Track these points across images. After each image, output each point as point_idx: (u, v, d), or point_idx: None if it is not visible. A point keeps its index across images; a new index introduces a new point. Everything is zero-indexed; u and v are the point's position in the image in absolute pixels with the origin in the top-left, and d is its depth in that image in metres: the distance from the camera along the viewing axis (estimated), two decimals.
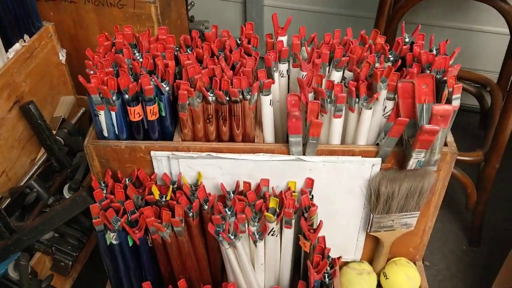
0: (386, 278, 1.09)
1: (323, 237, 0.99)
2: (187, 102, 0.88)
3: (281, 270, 1.01)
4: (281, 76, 0.99)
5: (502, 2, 1.23)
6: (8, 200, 1.20)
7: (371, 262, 1.13)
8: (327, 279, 0.97)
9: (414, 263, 1.12)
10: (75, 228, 1.16)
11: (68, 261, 1.14)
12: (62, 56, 1.44)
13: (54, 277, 1.17)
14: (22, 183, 1.27)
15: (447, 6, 1.89)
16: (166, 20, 1.48)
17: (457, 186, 1.78)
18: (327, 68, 0.96)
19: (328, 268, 0.98)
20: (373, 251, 1.11)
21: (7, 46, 1.26)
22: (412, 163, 0.89)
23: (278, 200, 0.91)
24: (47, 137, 1.29)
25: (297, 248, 1.00)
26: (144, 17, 1.43)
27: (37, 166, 1.34)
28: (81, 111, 1.48)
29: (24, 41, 1.30)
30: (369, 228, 1.01)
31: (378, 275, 1.12)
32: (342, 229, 1.05)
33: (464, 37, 1.96)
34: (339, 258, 0.98)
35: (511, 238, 1.59)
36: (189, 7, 1.78)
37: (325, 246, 0.97)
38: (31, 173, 1.32)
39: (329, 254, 0.96)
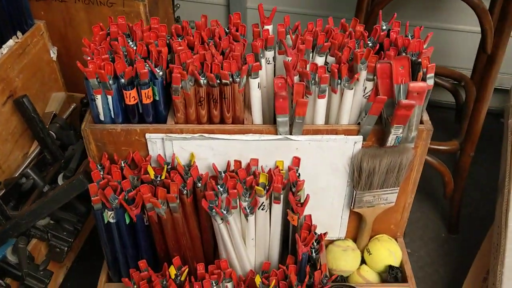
0: (370, 254, 1.15)
1: (310, 216, 1.05)
2: (180, 85, 0.93)
3: (271, 246, 1.06)
4: (268, 63, 1.05)
5: None
6: (3, 191, 1.23)
7: (355, 240, 1.19)
8: (314, 254, 1.03)
9: (396, 240, 1.18)
10: (70, 214, 1.19)
11: (64, 247, 1.18)
12: (53, 54, 1.49)
13: (50, 264, 1.21)
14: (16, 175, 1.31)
15: (422, 6, 1.99)
16: None
17: (435, 177, 1.86)
18: (311, 54, 1.02)
19: (315, 243, 1.04)
20: (357, 229, 1.17)
21: (1, 42, 1.31)
22: (391, 140, 0.96)
23: (267, 175, 0.96)
24: (40, 130, 1.33)
25: (285, 226, 1.06)
26: (133, 15, 1.48)
27: (30, 159, 1.38)
28: (72, 106, 1.53)
29: (17, 38, 1.35)
30: (352, 204, 1.08)
31: (362, 252, 1.18)
32: (327, 207, 1.11)
33: (439, 36, 2.05)
34: (325, 234, 1.04)
35: (487, 226, 1.66)
36: (175, 8, 1.85)
37: (311, 223, 1.03)
38: (24, 166, 1.36)
39: (315, 231, 1.02)
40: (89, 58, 0.94)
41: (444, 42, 2.07)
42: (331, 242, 1.18)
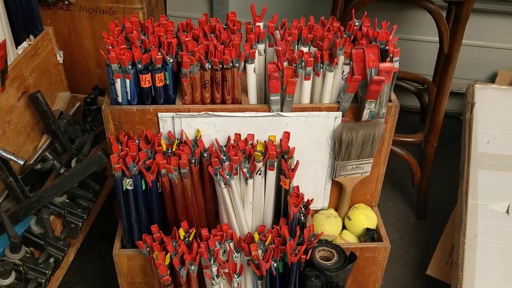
0: (349, 220, 1.32)
1: (297, 186, 1.23)
2: (189, 70, 1.10)
3: (266, 211, 1.23)
4: (260, 54, 1.23)
5: (428, 2, 1.53)
6: (20, 177, 1.37)
7: (336, 209, 1.36)
8: (302, 217, 1.21)
9: (372, 208, 1.36)
10: (86, 192, 1.34)
11: (78, 222, 1.32)
12: (60, 57, 1.64)
13: None
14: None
15: (389, 17, 2.21)
16: None
17: (405, 171, 2.07)
18: (296, 46, 1.21)
19: (303, 208, 1.21)
20: (338, 200, 1.35)
21: (16, 44, 1.46)
22: (365, 114, 1.15)
23: (264, 144, 1.14)
24: (52, 122, 1.47)
25: (278, 193, 1.23)
26: None
27: (40, 151, 1.52)
28: (77, 105, 1.68)
29: (30, 40, 1.50)
30: (334, 174, 1.26)
31: (343, 219, 1.35)
32: (312, 178, 1.28)
33: (404, 45, 2.28)
34: (311, 200, 1.22)
35: (451, 213, 1.86)
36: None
37: (299, 192, 1.21)
38: (35, 157, 1.50)
39: (304, 199, 1.20)
40: (110, 47, 1.11)
41: (409, 51, 2.31)
42: (316, 211, 1.35)
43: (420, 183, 1.91)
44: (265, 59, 1.25)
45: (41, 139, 1.57)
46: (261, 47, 1.22)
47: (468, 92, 1.79)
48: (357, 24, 1.24)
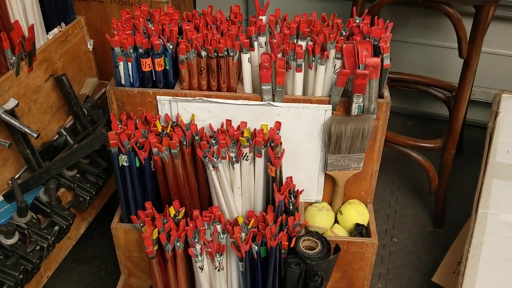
0: (341, 214, 1.34)
1: (291, 177, 1.27)
2: (185, 56, 1.17)
3: (255, 198, 1.27)
4: (260, 47, 1.28)
5: (446, 6, 1.52)
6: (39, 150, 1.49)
7: (330, 203, 1.38)
8: (290, 207, 1.24)
9: (366, 206, 1.37)
10: (93, 167, 1.43)
11: (86, 196, 1.41)
12: (90, 45, 1.76)
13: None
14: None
15: (419, 25, 2.20)
16: None
17: (423, 178, 2.04)
18: (296, 40, 1.25)
19: (292, 198, 1.24)
20: (331, 194, 1.37)
21: (48, 30, 1.59)
22: (354, 108, 1.17)
23: (250, 131, 1.19)
24: (74, 104, 1.58)
25: (269, 181, 1.27)
26: None
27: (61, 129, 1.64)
28: (103, 90, 1.78)
29: (61, 27, 1.63)
30: (325, 167, 1.28)
31: (336, 214, 1.37)
32: (305, 170, 1.31)
33: (434, 52, 2.26)
34: (301, 191, 1.25)
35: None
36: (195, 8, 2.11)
37: (291, 182, 1.24)
38: (55, 136, 1.61)
39: (294, 189, 1.23)
40: (115, 32, 1.20)
41: (439, 57, 2.27)
42: (310, 204, 1.38)
43: (438, 190, 1.88)
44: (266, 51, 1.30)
45: (66, 120, 1.69)
46: (262, 39, 1.27)
47: (494, 101, 1.76)
48: (357, 21, 1.26)
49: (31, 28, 1.40)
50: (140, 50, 1.18)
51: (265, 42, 1.28)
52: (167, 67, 1.21)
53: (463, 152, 2.21)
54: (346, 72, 1.13)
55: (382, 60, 1.14)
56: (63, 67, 1.64)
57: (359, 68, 1.14)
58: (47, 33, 1.58)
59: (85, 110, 1.67)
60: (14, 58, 1.39)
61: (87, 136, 1.52)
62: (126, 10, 1.29)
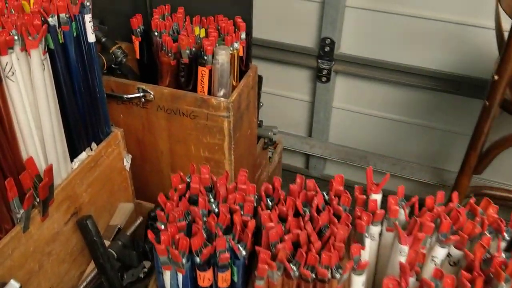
0: None
1: None
2: (266, 276, 0.76)
3: None
4: (372, 239, 0.86)
5: None
6: None
7: None
8: None
9: None
10: None
11: None
12: (127, 162, 1.37)
13: None
14: None
15: None
16: (237, 133, 1.40)
17: None
18: (429, 240, 0.82)
19: None
20: None
21: (73, 155, 1.20)
22: None
23: None
24: (100, 255, 1.20)
25: None
26: (215, 129, 1.35)
27: (85, 282, 1.25)
28: (139, 220, 1.39)
29: (91, 149, 1.24)
30: None
31: None
32: None
33: None
34: None
35: None
36: (259, 109, 1.71)
37: None
38: None
39: None
40: (162, 226, 0.79)
41: None
42: None
43: None
44: (379, 245, 0.88)
45: (90, 263, 1.31)
46: (375, 230, 0.85)
47: None
48: None
49: (47, 172, 1.02)
50: (198, 260, 0.77)
51: (379, 233, 0.86)
52: (235, 279, 0.80)
53: None
54: None
55: None
56: (90, 200, 1.25)
57: None
58: (72, 161, 1.20)
59: (114, 252, 1.28)
60: (21, 211, 1.02)
61: None
62: (180, 174, 0.88)
